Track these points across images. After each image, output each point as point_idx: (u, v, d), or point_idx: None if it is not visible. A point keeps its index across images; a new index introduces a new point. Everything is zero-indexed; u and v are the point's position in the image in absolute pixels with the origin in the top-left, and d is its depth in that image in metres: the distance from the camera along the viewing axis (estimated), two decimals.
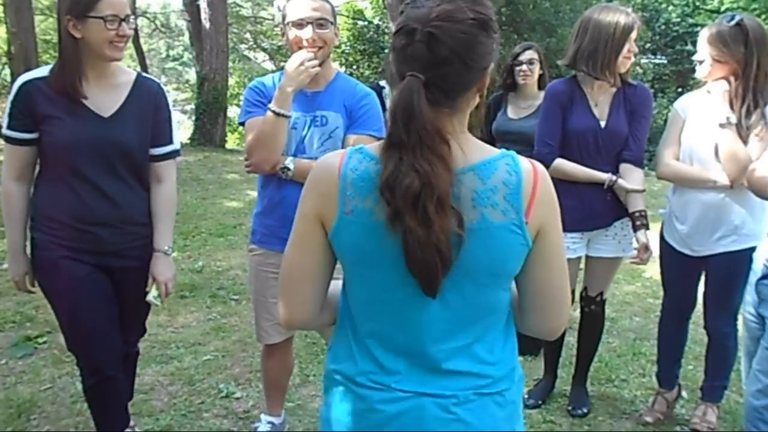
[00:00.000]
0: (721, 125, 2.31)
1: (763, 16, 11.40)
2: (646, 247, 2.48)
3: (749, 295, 2.06)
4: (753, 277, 2.03)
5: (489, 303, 1.11)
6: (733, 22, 2.31)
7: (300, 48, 2.00)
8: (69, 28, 1.84)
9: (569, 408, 2.81)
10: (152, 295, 2.07)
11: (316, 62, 1.98)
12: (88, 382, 2.10)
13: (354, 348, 1.15)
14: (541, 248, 1.09)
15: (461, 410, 1.10)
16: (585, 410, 2.79)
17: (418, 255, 0.99)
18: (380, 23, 14.07)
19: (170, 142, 2.11)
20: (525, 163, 1.07)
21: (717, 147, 2.36)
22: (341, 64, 14.42)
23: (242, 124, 2.14)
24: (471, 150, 1.05)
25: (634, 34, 2.39)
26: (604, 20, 2.37)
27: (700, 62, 2.42)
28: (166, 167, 2.11)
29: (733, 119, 2.31)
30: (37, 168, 2.02)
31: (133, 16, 1.94)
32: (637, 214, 2.49)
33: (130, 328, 2.21)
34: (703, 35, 2.41)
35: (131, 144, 1.98)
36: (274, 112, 1.97)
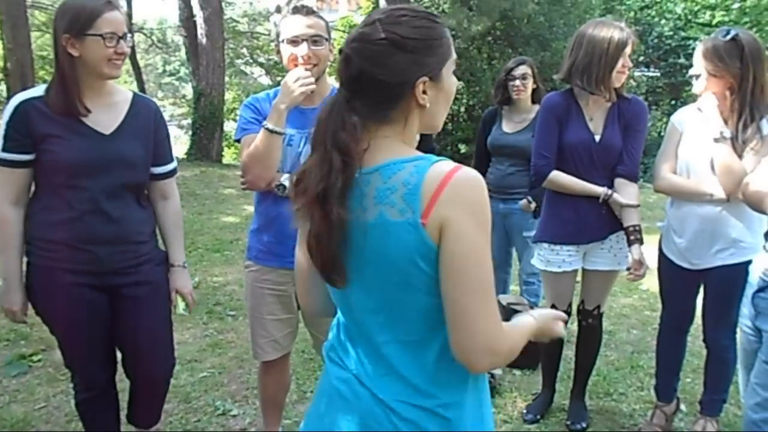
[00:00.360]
0: (716, 140, 2.32)
1: (755, 30, 11.51)
2: (639, 263, 2.48)
3: (746, 308, 2.05)
4: (749, 290, 2.03)
5: (404, 302, 1.12)
6: (728, 37, 2.32)
7: (295, 65, 2.01)
8: (67, 46, 1.84)
9: (568, 423, 2.80)
10: (181, 308, 2.13)
11: (311, 80, 1.98)
12: (81, 396, 2.11)
13: (334, 324, 1.30)
14: (447, 253, 1.06)
15: (400, 423, 1.14)
16: (584, 425, 2.77)
17: (315, 246, 1.13)
18: None
19: (171, 160, 2.15)
20: (438, 167, 1.08)
21: (713, 161, 2.37)
22: (337, 79, 14.47)
23: (238, 141, 2.14)
24: (385, 153, 1.12)
25: (628, 49, 2.40)
26: (599, 35, 2.38)
27: (696, 77, 2.43)
28: (169, 184, 2.15)
29: (728, 134, 2.31)
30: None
31: (130, 34, 1.94)
32: (631, 228, 2.49)
33: (152, 351, 2.11)
34: (699, 50, 2.42)
35: (135, 159, 1.98)
36: (268, 129, 1.97)
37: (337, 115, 1.12)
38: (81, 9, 1.84)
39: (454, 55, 1.18)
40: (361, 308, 1.18)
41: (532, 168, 2.63)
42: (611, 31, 2.38)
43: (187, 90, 20.28)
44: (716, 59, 2.33)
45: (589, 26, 2.45)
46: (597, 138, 2.51)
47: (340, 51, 1.16)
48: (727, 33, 2.35)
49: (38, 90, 1.93)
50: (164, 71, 29.09)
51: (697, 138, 2.45)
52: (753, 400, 1.95)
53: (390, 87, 1.11)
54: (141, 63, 19.19)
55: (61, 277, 1.92)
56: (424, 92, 1.13)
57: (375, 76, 1.10)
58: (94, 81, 1.92)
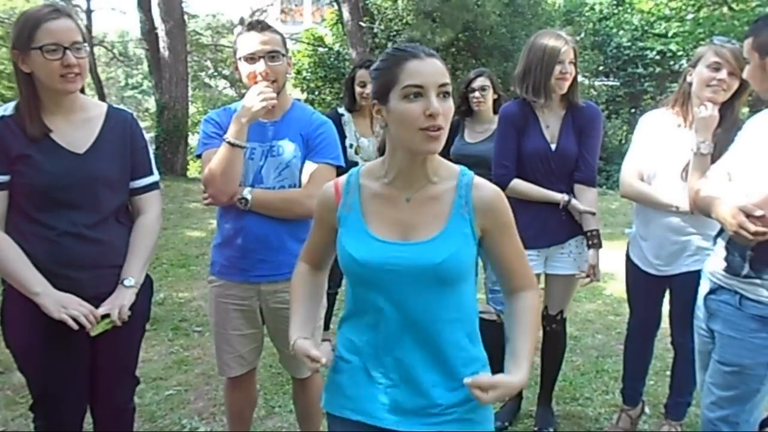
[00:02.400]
0: (694, 153, 2.29)
1: (708, 41, 11.86)
2: (593, 267, 2.53)
3: (699, 311, 2.10)
4: (701, 292, 2.08)
5: None
6: (737, 43, 2.31)
7: (255, 82, 2.01)
8: (18, 62, 1.75)
9: (535, 428, 2.82)
10: (96, 330, 1.81)
11: (273, 94, 1.98)
12: (42, 427, 1.96)
13: None
14: None
15: None
16: (551, 430, 2.80)
17: None
18: (341, 50, 14.19)
19: (151, 172, 2.00)
20: None
21: (686, 170, 2.37)
22: (302, 91, 14.46)
23: (200, 156, 2.13)
24: None
25: (566, 57, 2.43)
26: (537, 44, 2.46)
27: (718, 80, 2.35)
28: (149, 199, 1.99)
29: (706, 149, 2.25)
30: None
31: (84, 44, 1.79)
32: (589, 233, 2.55)
33: (118, 380, 2.03)
34: (733, 53, 2.32)
35: (111, 178, 1.87)
36: (229, 143, 1.97)
37: None
38: (25, 20, 1.72)
39: (406, 82, 1.29)
40: None
41: (493, 177, 2.66)
42: (547, 39, 2.45)
43: (150, 103, 20.01)
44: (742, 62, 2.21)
45: (535, 36, 2.53)
46: (553, 146, 2.56)
47: None
48: (729, 41, 2.37)
49: (8, 108, 1.81)
50: (126, 84, 28.66)
51: (671, 144, 2.46)
52: (708, 399, 2.00)
53: None
54: (102, 76, 18.88)
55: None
56: (378, 114, 1.36)
57: None
58: (57, 97, 1.79)
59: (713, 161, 2.18)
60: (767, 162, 1.82)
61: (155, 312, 4.18)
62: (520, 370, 1.36)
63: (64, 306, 1.75)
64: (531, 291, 1.49)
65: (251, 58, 2.01)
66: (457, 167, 1.45)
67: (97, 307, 1.82)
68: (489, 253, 1.46)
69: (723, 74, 2.32)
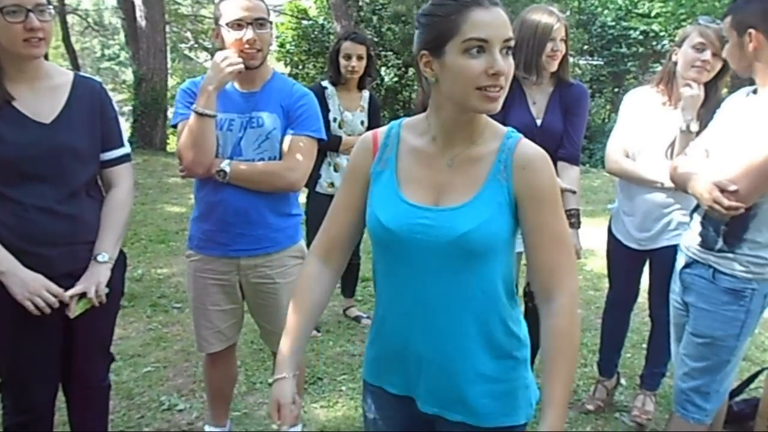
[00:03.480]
0: (682, 131, 2.33)
1: (690, 21, 11.91)
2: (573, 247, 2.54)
3: (675, 284, 2.15)
4: (677, 266, 2.12)
5: None
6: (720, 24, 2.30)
7: (241, 50, 1.94)
8: None
9: None
10: (76, 312, 1.78)
11: (239, 60, 1.92)
12: (12, 420, 1.88)
13: None
14: None
15: None
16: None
17: None
18: (325, 23, 13.96)
19: (122, 144, 1.92)
20: None
21: (671, 146, 2.40)
22: (286, 64, 14.24)
23: (175, 126, 2.06)
24: None
25: (558, 34, 2.40)
26: (529, 20, 2.42)
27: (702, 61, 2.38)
28: (120, 172, 1.91)
29: (694, 127, 2.31)
30: None
31: (48, 6, 1.68)
32: (568, 212, 2.54)
33: (92, 358, 1.97)
34: (715, 33, 2.35)
35: (81, 149, 1.78)
36: (197, 112, 1.91)
37: None
38: None
39: (470, 35, 1.14)
40: None
41: None
42: (540, 15, 2.41)
43: (128, 75, 19.56)
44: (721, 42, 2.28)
45: (526, 11, 2.49)
46: (539, 122, 2.54)
47: None
48: (713, 21, 2.39)
49: None
50: (103, 55, 27.93)
51: (656, 122, 2.49)
52: (681, 370, 2.06)
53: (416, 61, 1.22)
54: (77, 46, 18.34)
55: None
56: (427, 66, 1.19)
57: None
58: (21, 63, 1.70)
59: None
60: (742, 139, 1.86)
61: (133, 288, 4.15)
62: (546, 419, 1.19)
63: (30, 290, 1.69)
64: (562, 299, 1.22)
65: (238, 25, 1.93)
66: (505, 129, 1.28)
67: (71, 285, 1.76)
68: (521, 230, 1.24)
69: (707, 55, 2.37)
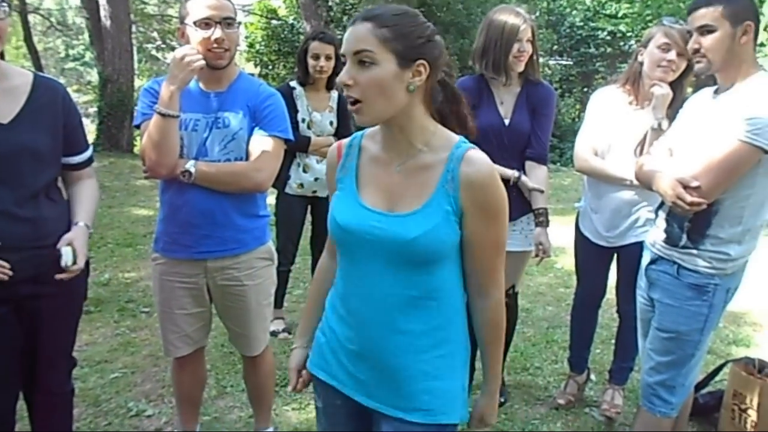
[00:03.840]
0: (653, 129, 2.35)
1: (655, 21, 12.13)
2: (540, 245, 2.56)
3: (641, 281, 2.18)
4: (643, 262, 2.16)
5: None
6: (683, 25, 2.35)
7: (207, 50, 1.91)
8: None
9: None
10: (69, 260, 1.74)
11: (199, 56, 1.88)
12: None
13: None
14: None
15: None
16: (502, 399, 2.84)
17: None
18: (294, 23, 13.88)
19: (86, 148, 1.93)
20: None
21: (640, 144, 2.42)
22: (255, 65, 14.12)
23: (138, 126, 2.02)
24: None
25: (524, 35, 2.42)
26: (496, 20, 2.43)
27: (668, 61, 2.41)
28: (86, 172, 1.94)
29: (666, 125, 2.32)
30: None
31: (3, 4, 1.63)
32: (536, 212, 2.57)
33: (54, 363, 1.93)
34: (678, 33, 2.38)
35: (40, 150, 1.74)
36: (160, 113, 1.87)
37: None
38: None
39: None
40: None
41: None
42: (507, 15, 2.42)
43: (93, 76, 19.17)
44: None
45: (494, 12, 2.50)
46: (507, 122, 2.56)
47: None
48: (677, 22, 2.42)
49: None
50: (67, 56, 27.35)
51: (623, 121, 2.52)
52: (648, 364, 2.09)
53: None
54: (39, 47, 17.95)
55: None
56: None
57: None
58: None
59: None
60: (703, 137, 1.89)
61: (100, 293, 4.06)
62: (483, 396, 1.44)
63: None
64: (498, 294, 1.35)
65: (206, 24, 1.90)
66: (456, 138, 1.31)
67: (35, 291, 1.76)
68: (462, 234, 1.29)
69: (672, 55, 2.41)
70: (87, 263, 1.93)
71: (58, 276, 1.72)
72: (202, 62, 1.89)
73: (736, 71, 1.88)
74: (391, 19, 1.22)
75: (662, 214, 2.05)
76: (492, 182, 1.26)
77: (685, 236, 1.94)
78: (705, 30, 1.85)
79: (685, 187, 1.83)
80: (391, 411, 1.34)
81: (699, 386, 2.72)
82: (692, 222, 1.92)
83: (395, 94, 1.23)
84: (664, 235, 2.02)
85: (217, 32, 1.90)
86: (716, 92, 1.98)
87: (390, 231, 1.27)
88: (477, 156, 1.27)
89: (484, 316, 1.36)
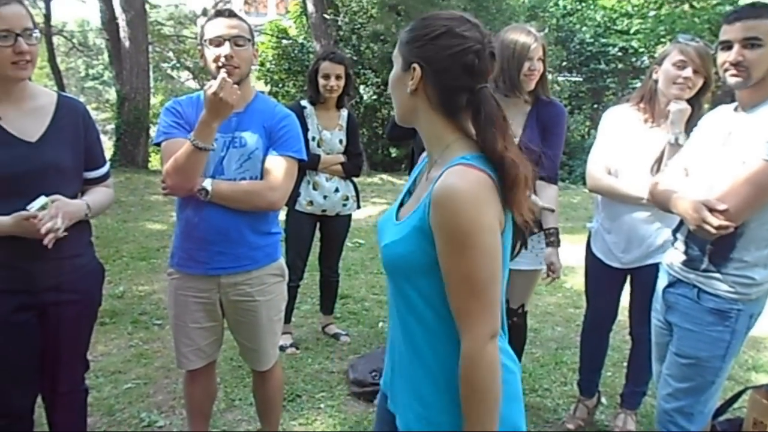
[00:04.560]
0: (671, 144, 2.33)
1: (669, 38, 12.14)
2: (552, 265, 2.55)
3: (657, 303, 2.13)
4: (660, 285, 2.11)
5: None
6: (700, 41, 2.38)
7: (218, 67, 1.98)
8: None
9: None
10: (35, 204, 1.73)
11: (236, 87, 1.92)
12: None
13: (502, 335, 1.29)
14: None
15: None
16: None
17: (520, 227, 1.26)
18: (305, 42, 14.07)
19: (104, 163, 2.04)
20: None
21: (656, 162, 2.40)
22: (266, 83, 14.29)
23: (158, 144, 2.09)
24: None
25: (535, 53, 2.42)
26: (507, 39, 2.44)
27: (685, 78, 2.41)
28: (103, 186, 2.05)
29: (683, 140, 2.28)
30: None
31: (35, 30, 1.78)
32: (547, 231, 2.56)
33: (71, 365, 2.04)
34: (696, 51, 2.37)
35: (65, 166, 1.85)
36: (198, 147, 1.92)
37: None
38: None
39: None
40: None
41: None
42: (517, 34, 2.43)
43: (111, 94, 19.55)
44: (709, 60, 2.33)
45: (503, 31, 2.51)
46: (516, 141, 2.57)
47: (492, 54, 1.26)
48: (693, 39, 2.41)
49: None
50: (87, 75, 27.93)
51: (638, 139, 2.49)
52: (665, 390, 2.02)
53: None
54: (62, 66, 18.35)
55: None
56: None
57: None
58: (6, 84, 1.78)
59: None
60: (724, 156, 1.83)
61: (114, 305, 4.13)
62: None
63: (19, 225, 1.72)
64: (466, 345, 1.17)
65: (216, 42, 1.99)
66: (459, 154, 1.22)
67: (56, 299, 1.86)
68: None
69: (688, 72, 2.38)
70: (103, 270, 2.08)
71: (21, 214, 1.73)
72: (239, 92, 1.92)
73: (767, 89, 1.80)
74: (412, 24, 1.28)
75: (681, 236, 1.98)
76: (448, 204, 1.13)
77: (706, 259, 1.86)
78: (751, 43, 1.77)
79: (711, 210, 1.74)
80: (398, 416, 1.36)
81: (717, 413, 2.61)
82: (715, 245, 1.83)
83: (400, 95, 1.29)
84: (683, 257, 1.94)
85: (225, 49, 1.98)
86: (736, 110, 1.91)
87: (381, 236, 1.33)
88: (452, 173, 1.17)
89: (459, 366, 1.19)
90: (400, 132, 2.99)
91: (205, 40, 2.03)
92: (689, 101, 2.41)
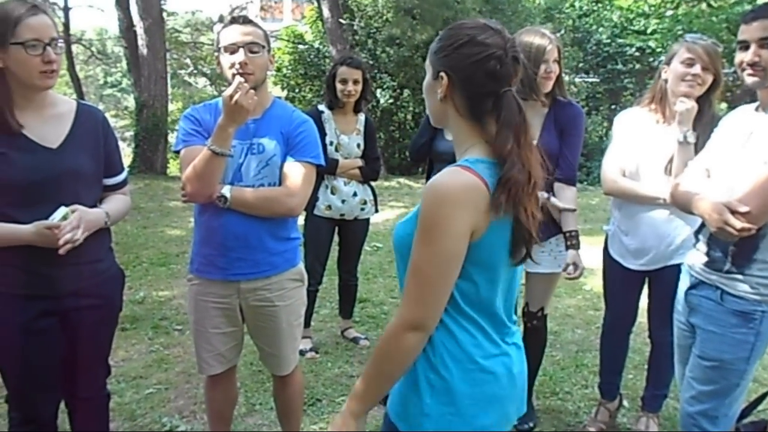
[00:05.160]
0: (680, 143, 2.33)
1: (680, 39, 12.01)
2: (575, 266, 2.54)
3: (679, 305, 2.11)
4: (682, 286, 2.09)
5: None
6: (709, 40, 2.39)
7: (234, 74, 1.99)
8: None
9: (516, 423, 2.83)
10: (57, 215, 1.77)
11: (252, 92, 1.93)
12: (18, 430, 1.97)
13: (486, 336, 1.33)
14: None
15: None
16: (531, 425, 2.82)
17: (524, 231, 1.26)
18: (321, 47, 14.13)
19: (122, 170, 2.07)
20: None
21: (670, 162, 2.39)
22: (282, 88, 14.38)
23: (177, 152, 2.11)
24: None
25: (550, 56, 2.43)
26: (522, 42, 2.43)
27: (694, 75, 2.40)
28: (121, 192, 2.08)
29: (692, 138, 2.31)
30: None
31: (61, 40, 1.82)
32: (568, 234, 2.55)
33: (93, 370, 2.07)
34: (704, 49, 2.38)
35: (86, 173, 1.89)
36: (216, 152, 1.94)
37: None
38: (3, 16, 1.72)
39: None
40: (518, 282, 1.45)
41: None
42: (532, 37, 2.44)
43: (130, 101, 19.78)
44: (717, 58, 2.35)
45: (519, 34, 2.50)
46: (534, 143, 2.56)
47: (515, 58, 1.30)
48: (700, 37, 2.42)
49: None
50: (105, 83, 28.36)
51: (652, 140, 2.49)
52: (688, 393, 2.00)
53: None
54: (81, 74, 18.61)
55: (13, 304, 1.81)
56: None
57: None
58: (30, 92, 1.80)
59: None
60: (747, 157, 1.82)
61: (135, 311, 4.17)
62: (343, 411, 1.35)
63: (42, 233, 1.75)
64: (391, 321, 1.28)
65: (231, 49, 2.00)
66: (470, 156, 1.31)
67: (76, 304, 1.89)
68: None
69: (697, 69, 2.38)
70: (123, 275, 2.10)
71: (43, 224, 1.75)
72: (255, 98, 1.94)
73: None
74: (441, 34, 1.36)
75: (702, 238, 1.96)
76: (427, 197, 1.23)
77: (729, 261, 1.85)
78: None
79: (733, 212, 1.74)
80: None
81: (741, 416, 2.59)
82: (737, 246, 1.82)
83: (432, 102, 1.37)
84: (705, 259, 1.93)
85: (240, 55, 1.99)
86: (757, 110, 1.90)
87: None
88: (447, 171, 1.26)
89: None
90: (423, 152, 3.07)
91: (221, 47, 2.05)
92: (699, 99, 2.40)
